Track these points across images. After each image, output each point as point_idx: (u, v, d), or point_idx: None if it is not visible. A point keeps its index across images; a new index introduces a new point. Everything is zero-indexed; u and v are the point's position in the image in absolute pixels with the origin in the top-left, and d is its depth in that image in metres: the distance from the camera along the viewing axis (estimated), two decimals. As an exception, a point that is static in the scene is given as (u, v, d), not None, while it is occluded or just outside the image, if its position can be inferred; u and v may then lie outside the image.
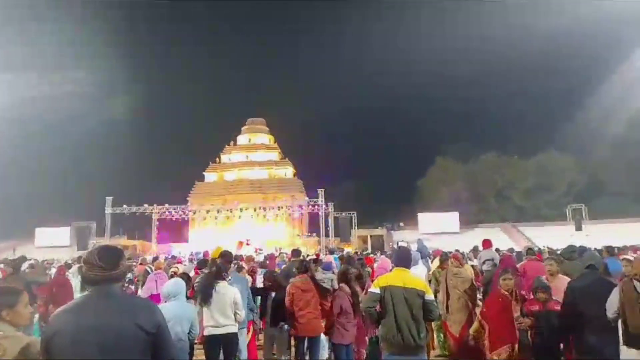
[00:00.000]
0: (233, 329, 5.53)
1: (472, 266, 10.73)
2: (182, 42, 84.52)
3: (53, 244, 39.43)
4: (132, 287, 9.04)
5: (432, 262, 11.67)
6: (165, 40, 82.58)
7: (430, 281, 7.82)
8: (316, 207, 37.89)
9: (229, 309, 5.48)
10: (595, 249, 11.07)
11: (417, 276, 5.42)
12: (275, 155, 54.95)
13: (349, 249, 27.24)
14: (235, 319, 5.54)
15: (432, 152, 60.32)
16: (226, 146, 55.66)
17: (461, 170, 55.68)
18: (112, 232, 38.71)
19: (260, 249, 25.67)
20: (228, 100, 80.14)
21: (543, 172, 52.46)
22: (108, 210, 38.18)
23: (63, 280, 8.86)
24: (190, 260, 15.19)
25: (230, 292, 5.59)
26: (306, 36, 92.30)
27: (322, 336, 6.19)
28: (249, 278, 9.10)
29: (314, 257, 13.11)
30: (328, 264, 7.29)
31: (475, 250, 14.01)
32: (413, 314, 4.47)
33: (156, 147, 61.51)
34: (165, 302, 4.96)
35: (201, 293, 5.51)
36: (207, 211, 42.14)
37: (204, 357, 5.63)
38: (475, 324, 5.76)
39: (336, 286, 6.59)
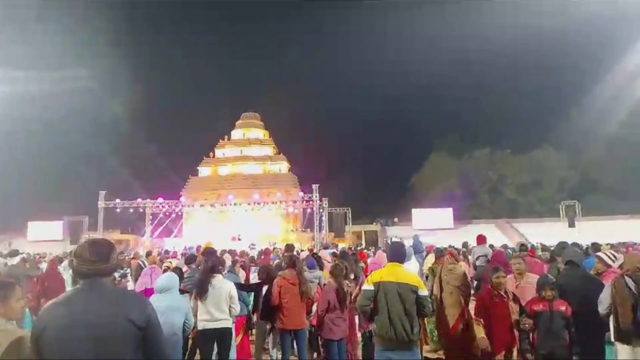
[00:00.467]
0: (228, 323, 5.54)
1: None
2: (178, 39, 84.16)
3: (45, 238, 39.21)
4: (125, 281, 8.98)
5: (425, 257, 11.70)
6: (161, 37, 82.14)
7: (427, 277, 7.84)
8: (310, 202, 37.86)
9: (224, 304, 5.49)
10: (587, 245, 11.12)
11: (411, 271, 5.41)
12: (269, 150, 54.87)
13: (343, 245, 27.29)
14: (231, 313, 5.55)
15: (426, 148, 60.63)
16: (220, 141, 55.52)
17: (455, 166, 55.91)
18: (105, 226, 38.48)
19: (254, 244, 25.63)
20: (223, 95, 79.95)
21: (536, 168, 52.79)
22: (101, 204, 37.93)
23: (55, 274, 8.82)
24: (183, 255, 15.17)
25: (226, 287, 5.61)
26: (301, 33, 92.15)
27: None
28: (243, 273, 9.10)
29: (308, 252, 13.10)
30: (311, 262, 7.26)
31: (465, 246, 14.05)
32: (406, 309, 4.47)
33: (150, 142, 61.15)
34: (159, 295, 4.97)
35: (197, 287, 5.51)
36: (201, 206, 42.01)
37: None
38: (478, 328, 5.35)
39: (323, 282, 6.63)
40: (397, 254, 4.92)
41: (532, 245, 19.50)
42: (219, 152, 54.79)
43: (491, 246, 13.59)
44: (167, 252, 18.23)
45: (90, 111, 55.56)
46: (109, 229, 40.03)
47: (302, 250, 16.02)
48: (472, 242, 13.14)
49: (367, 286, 4.70)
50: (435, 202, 44.34)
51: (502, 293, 5.15)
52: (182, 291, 5.44)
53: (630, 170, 47.33)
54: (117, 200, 38.51)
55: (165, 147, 63.62)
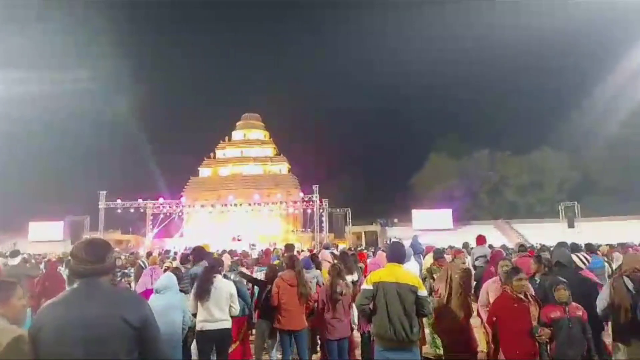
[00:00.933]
0: (227, 324, 5.55)
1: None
2: (178, 39, 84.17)
3: (47, 239, 39.26)
4: (126, 281, 9.02)
5: (424, 258, 11.72)
6: (161, 37, 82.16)
7: (425, 278, 7.85)
8: (310, 203, 37.89)
9: (224, 303, 5.51)
10: (584, 245, 11.13)
11: (410, 272, 5.43)
12: (270, 151, 54.90)
13: (343, 245, 27.31)
14: (231, 312, 5.57)
15: (426, 148, 60.67)
16: (221, 142, 55.56)
17: (455, 166, 55.91)
18: (106, 226, 38.53)
19: (254, 245, 25.66)
20: (223, 96, 79.93)
21: (536, 169, 52.81)
22: (102, 204, 37.98)
23: (55, 274, 8.84)
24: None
25: (226, 286, 5.64)
26: (301, 33, 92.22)
27: None
28: (246, 272, 9.12)
29: (308, 253, 13.12)
30: (307, 261, 7.28)
31: (465, 246, 14.07)
32: (406, 309, 4.49)
33: (151, 142, 61.17)
34: (157, 295, 5.00)
35: (199, 289, 5.49)
36: (202, 206, 42.03)
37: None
38: (483, 339, 5.27)
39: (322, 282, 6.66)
40: (396, 254, 4.93)
41: (532, 245, 19.51)
42: (219, 153, 54.84)
43: (490, 247, 13.61)
44: (167, 252, 18.24)
45: (91, 112, 55.65)
46: (109, 229, 40.09)
47: (302, 251, 16.04)
48: (472, 243, 13.16)
49: (366, 286, 4.72)
50: (435, 203, 44.36)
51: (523, 297, 4.63)
52: (180, 291, 5.45)
53: (630, 170, 47.33)
54: (118, 201, 38.55)
55: (166, 147, 63.66)
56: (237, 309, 5.66)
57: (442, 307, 6.75)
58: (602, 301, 4.85)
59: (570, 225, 38.30)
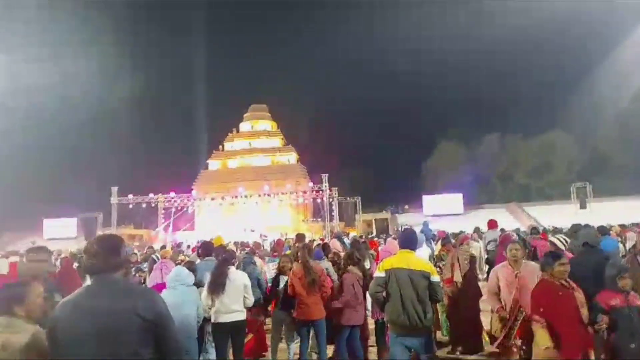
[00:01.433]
0: (242, 315, 5.59)
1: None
2: (184, 30, 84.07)
3: (60, 236, 39.72)
4: (140, 276, 9.10)
5: (436, 244, 11.72)
6: (167, 28, 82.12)
7: (436, 264, 7.87)
8: (320, 192, 37.91)
9: (240, 295, 5.55)
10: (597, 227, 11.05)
11: (422, 258, 5.44)
12: (278, 141, 54.91)
13: (354, 233, 27.35)
14: (245, 303, 5.60)
15: (436, 134, 60.25)
16: (229, 134, 55.65)
17: (465, 151, 55.57)
18: (118, 222, 38.87)
19: (265, 235, 25.76)
20: (231, 87, 79.94)
21: (547, 151, 52.29)
22: (114, 200, 38.28)
23: (70, 270, 8.94)
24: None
25: (240, 278, 5.68)
26: (309, 20, 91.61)
27: None
28: (260, 262, 9.20)
29: (320, 242, 13.16)
30: (318, 252, 7.31)
31: (477, 231, 14.04)
32: (419, 295, 4.52)
33: (160, 136, 61.51)
34: (170, 290, 5.06)
35: (213, 282, 5.50)
36: (212, 199, 42.22)
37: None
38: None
39: (333, 274, 6.68)
40: (408, 240, 4.95)
41: (544, 228, 19.44)
42: (228, 145, 54.96)
43: (502, 230, 13.57)
44: (179, 245, 18.40)
45: (99, 108, 55.88)
46: (122, 224, 40.42)
47: (313, 240, 16.09)
48: (484, 227, 13.13)
49: (379, 273, 4.75)
50: (446, 188, 44.14)
51: (565, 283, 4.24)
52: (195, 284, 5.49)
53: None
54: (130, 196, 38.84)
55: (176, 141, 64.01)
56: (251, 300, 5.69)
57: (452, 293, 6.81)
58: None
59: (583, 206, 38.01)
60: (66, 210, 42.67)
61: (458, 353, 6.84)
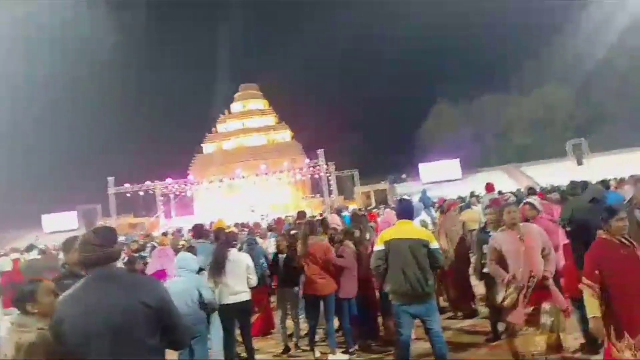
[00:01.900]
0: (247, 296, 5.63)
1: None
2: (169, 16, 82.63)
3: (61, 229, 39.73)
4: (142, 263, 9.14)
5: (436, 211, 11.76)
6: (155, 13, 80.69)
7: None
8: (317, 168, 37.92)
9: (243, 275, 5.58)
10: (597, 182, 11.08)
11: (420, 227, 5.47)
12: (271, 119, 54.60)
13: (353, 206, 27.46)
14: (249, 283, 5.64)
15: (430, 98, 59.76)
16: (221, 115, 55.27)
17: (460, 113, 55.24)
18: (117, 212, 38.94)
19: (264, 215, 25.88)
20: (219, 68, 78.96)
21: (543, 107, 51.97)
22: (111, 190, 38.28)
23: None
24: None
25: (243, 259, 5.73)
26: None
27: None
28: (261, 241, 9.26)
29: (319, 217, 13.20)
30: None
31: (472, 195, 14.09)
32: (419, 263, 4.56)
33: (152, 124, 61.07)
34: (177, 276, 5.08)
35: (214, 264, 5.55)
36: (209, 182, 42.23)
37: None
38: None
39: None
40: (405, 211, 4.97)
41: (541, 187, 19.48)
42: (221, 127, 54.64)
43: (500, 193, 13.62)
44: (179, 230, 18.45)
45: (90, 99, 55.39)
46: (122, 214, 40.50)
47: (313, 216, 16.14)
48: (482, 191, 13.16)
49: (378, 246, 4.77)
50: (443, 152, 43.97)
51: (626, 241, 3.69)
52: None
53: (636, 99, 46.58)
54: (127, 185, 38.83)
55: (168, 127, 63.61)
56: (254, 280, 5.74)
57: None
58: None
59: (579, 162, 37.99)
60: (65, 205, 42.66)
61: (460, 316, 6.98)
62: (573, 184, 8.05)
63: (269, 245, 8.95)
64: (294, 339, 6.74)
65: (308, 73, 71.57)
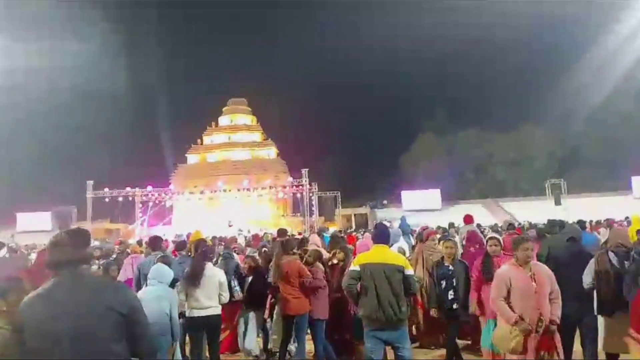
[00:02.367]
0: (217, 310, 5.58)
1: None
2: (163, 23, 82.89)
3: (34, 229, 38.88)
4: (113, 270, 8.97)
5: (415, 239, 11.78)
6: (146, 21, 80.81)
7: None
8: (300, 187, 37.93)
9: (215, 291, 5.54)
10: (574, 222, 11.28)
11: (396, 252, 5.49)
12: (257, 136, 54.59)
13: (333, 228, 27.45)
14: (220, 300, 5.60)
15: (414, 128, 60.65)
16: (208, 128, 55.12)
17: (443, 145, 56.03)
18: (94, 216, 38.29)
19: (241, 230, 25.70)
20: (209, 81, 79.18)
21: (522, 146, 53.09)
22: (89, 194, 37.71)
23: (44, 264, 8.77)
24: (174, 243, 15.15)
25: (216, 274, 5.67)
26: (287, 15, 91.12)
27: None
28: (237, 257, 9.14)
29: (297, 236, 13.16)
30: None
31: (451, 226, 14.20)
32: (393, 289, 4.55)
33: (137, 130, 60.51)
34: (147, 285, 4.99)
35: (190, 276, 5.49)
36: (190, 193, 41.87)
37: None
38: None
39: None
40: (380, 235, 4.99)
41: (519, 223, 19.75)
42: (206, 139, 54.41)
43: (479, 226, 13.76)
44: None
45: (75, 100, 54.74)
46: (98, 218, 39.82)
47: (293, 235, 16.07)
48: (461, 222, 13.26)
49: (353, 267, 4.76)
50: (424, 183, 44.51)
51: None
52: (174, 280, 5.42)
53: (615, 144, 47.91)
54: (106, 190, 38.31)
55: (154, 135, 63.09)
56: (226, 297, 5.70)
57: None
58: (587, 275, 4.96)
59: (557, 202, 38.67)
60: (40, 204, 41.80)
61: (433, 347, 6.94)
62: (551, 222, 8.21)
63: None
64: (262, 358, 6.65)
65: (297, 92, 71.99)
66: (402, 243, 8.64)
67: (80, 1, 55.82)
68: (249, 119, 56.00)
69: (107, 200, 38.50)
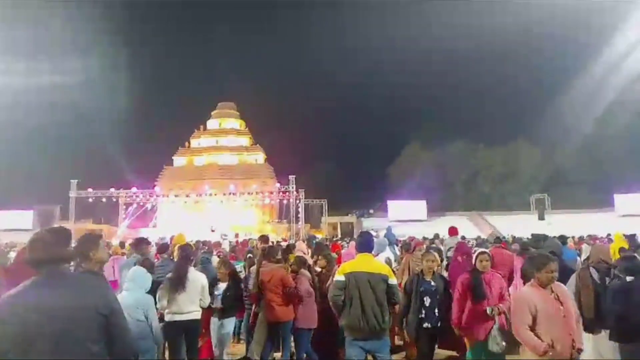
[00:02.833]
0: (197, 315, 5.52)
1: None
2: (153, 26, 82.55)
3: (15, 227, 38.20)
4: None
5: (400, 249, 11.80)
6: (136, 25, 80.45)
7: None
8: (287, 193, 37.87)
9: (197, 296, 5.50)
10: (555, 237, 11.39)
11: (380, 261, 5.48)
12: (245, 140, 54.46)
13: (319, 235, 27.42)
14: (200, 304, 5.56)
15: (402, 139, 61.11)
16: (196, 131, 54.85)
17: (430, 157, 56.44)
18: (77, 216, 37.80)
19: (225, 235, 25.52)
20: (199, 85, 78.98)
21: (509, 161, 53.70)
22: (73, 194, 37.26)
23: (24, 263, 8.63)
24: (157, 245, 14.96)
25: (199, 278, 5.62)
26: (279, 23, 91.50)
27: None
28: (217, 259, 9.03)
29: (283, 242, 13.10)
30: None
31: (437, 237, 14.28)
32: (377, 298, 4.53)
33: (123, 130, 59.98)
34: (123, 290, 4.92)
35: (174, 279, 5.43)
36: (176, 196, 41.57)
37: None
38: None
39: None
40: (365, 244, 4.97)
41: (503, 237, 19.89)
42: (194, 142, 54.14)
43: (463, 238, 13.84)
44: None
45: (62, 100, 54.13)
46: (81, 219, 39.32)
47: (277, 242, 15.99)
48: (446, 234, 13.32)
49: (338, 277, 4.73)
50: (411, 194, 44.73)
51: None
52: (153, 282, 5.32)
53: (600, 164, 48.72)
54: (90, 190, 37.89)
55: (140, 136, 62.66)
56: (207, 301, 5.65)
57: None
58: (569, 291, 4.99)
59: (541, 217, 39.16)
60: (22, 202, 41.12)
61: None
62: (535, 237, 8.29)
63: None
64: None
65: (287, 99, 72.24)
66: (389, 253, 8.64)
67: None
68: (237, 123, 55.87)
69: (90, 200, 38.07)
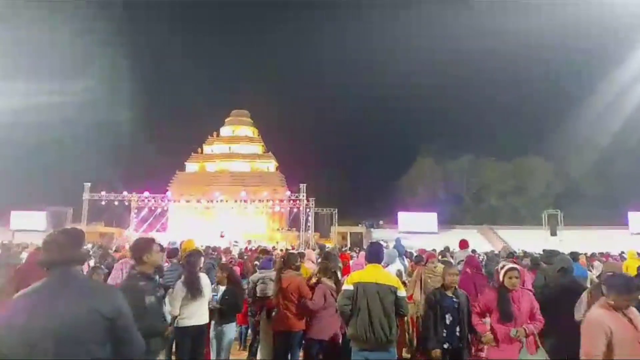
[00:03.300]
0: (207, 319, 5.55)
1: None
2: (169, 35, 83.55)
3: (28, 228, 38.64)
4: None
5: (411, 261, 11.74)
6: (152, 34, 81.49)
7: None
8: (297, 202, 37.90)
9: (207, 300, 5.54)
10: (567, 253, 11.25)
11: (389, 272, 5.43)
12: (258, 148, 54.71)
13: (329, 245, 27.37)
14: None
15: (413, 152, 60.93)
16: (209, 137, 55.25)
17: (440, 170, 56.21)
18: (89, 218, 38.14)
19: (236, 242, 25.57)
20: (213, 91, 79.57)
21: (521, 175, 53.25)
22: (86, 196, 37.63)
23: (36, 263, 8.71)
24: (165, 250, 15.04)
25: (208, 284, 5.66)
26: (292, 32, 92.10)
27: None
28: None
29: (291, 250, 13.08)
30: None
31: (447, 250, 14.18)
32: (385, 309, 4.50)
33: (138, 135, 60.58)
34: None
35: (193, 286, 5.40)
36: (187, 201, 41.78)
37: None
38: None
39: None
40: (374, 255, 4.95)
41: (514, 252, 19.68)
42: (207, 149, 54.51)
43: (474, 251, 13.73)
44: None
45: (79, 104, 54.86)
46: (93, 221, 39.67)
47: (286, 249, 15.99)
48: (456, 247, 13.23)
49: (347, 286, 4.71)
50: (421, 206, 44.56)
51: None
52: (161, 285, 5.33)
53: (614, 181, 48.13)
54: (103, 193, 38.25)
55: (154, 141, 63.20)
56: (213, 305, 5.69)
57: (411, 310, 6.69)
58: (579, 308, 4.91)
59: (553, 233, 38.74)
60: (36, 204, 41.62)
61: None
62: (548, 252, 8.17)
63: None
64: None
65: (300, 108, 72.50)
66: (399, 265, 8.60)
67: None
68: (250, 131, 56.18)
69: (103, 203, 38.41)
